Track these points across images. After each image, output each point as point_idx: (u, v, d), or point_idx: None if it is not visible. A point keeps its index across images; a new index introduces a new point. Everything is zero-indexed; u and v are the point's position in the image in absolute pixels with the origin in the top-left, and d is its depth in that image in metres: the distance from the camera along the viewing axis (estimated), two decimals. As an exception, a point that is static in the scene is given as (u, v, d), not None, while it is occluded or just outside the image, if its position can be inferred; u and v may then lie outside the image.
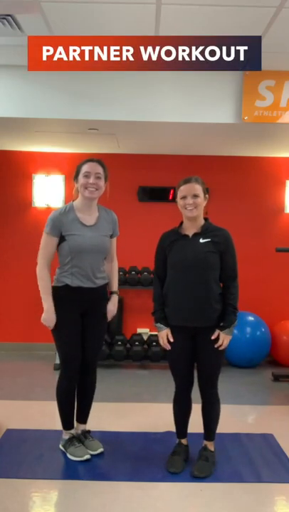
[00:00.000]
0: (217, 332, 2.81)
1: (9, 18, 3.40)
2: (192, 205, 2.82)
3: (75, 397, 3.09)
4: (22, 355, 5.61)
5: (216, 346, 2.81)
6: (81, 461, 2.98)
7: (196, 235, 2.87)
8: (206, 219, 2.94)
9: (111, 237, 3.10)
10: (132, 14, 3.34)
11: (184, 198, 2.85)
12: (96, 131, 4.72)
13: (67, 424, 3.10)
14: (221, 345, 2.81)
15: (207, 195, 2.91)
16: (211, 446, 3.01)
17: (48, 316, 2.94)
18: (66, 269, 2.96)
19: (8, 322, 5.84)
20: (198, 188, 2.85)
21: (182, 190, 2.86)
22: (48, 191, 5.79)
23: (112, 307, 3.16)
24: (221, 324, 2.83)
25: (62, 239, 2.93)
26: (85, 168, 2.94)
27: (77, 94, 4.27)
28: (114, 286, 3.22)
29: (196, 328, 2.84)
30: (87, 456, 3.01)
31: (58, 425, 3.23)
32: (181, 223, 2.95)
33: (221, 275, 2.87)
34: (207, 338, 2.83)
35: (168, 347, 2.90)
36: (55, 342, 3.05)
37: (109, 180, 3.05)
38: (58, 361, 5.00)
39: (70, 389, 3.04)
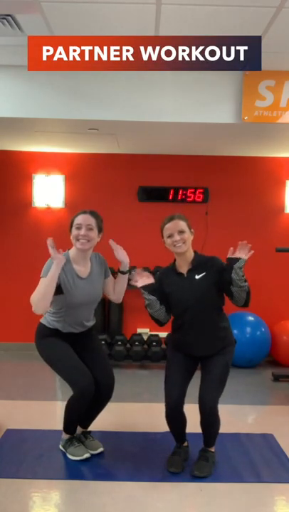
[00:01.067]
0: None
1: (9, 18, 3.40)
2: (180, 241, 2.83)
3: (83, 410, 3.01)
4: (22, 355, 5.60)
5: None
6: (81, 461, 2.98)
7: (190, 272, 2.88)
8: (195, 252, 2.95)
9: (105, 277, 3.11)
10: (132, 14, 3.34)
11: (170, 236, 2.86)
12: (96, 131, 4.72)
13: (69, 430, 3.08)
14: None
15: (192, 230, 2.92)
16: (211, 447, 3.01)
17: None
18: (59, 317, 2.98)
19: (8, 322, 5.84)
20: (182, 224, 2.86)
21: (167, 228, 2.87)
22: (48, 191, 5.79)
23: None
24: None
25: (59, 290, 2.89)
26: (77, 220, 2.95)
27: (77, 94, 4.27)
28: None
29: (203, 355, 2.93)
30: (87, 455, 3.01)
31: (57, 425, 3.23)
32: (175, 260, 2.97)
33: (226, 285, 2.81)
34: (215, 356, 2.89)
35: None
36: (60, 374, 2.98)
37: (109, 181, 3.04)
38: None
39: (82, 406, 2.94)
